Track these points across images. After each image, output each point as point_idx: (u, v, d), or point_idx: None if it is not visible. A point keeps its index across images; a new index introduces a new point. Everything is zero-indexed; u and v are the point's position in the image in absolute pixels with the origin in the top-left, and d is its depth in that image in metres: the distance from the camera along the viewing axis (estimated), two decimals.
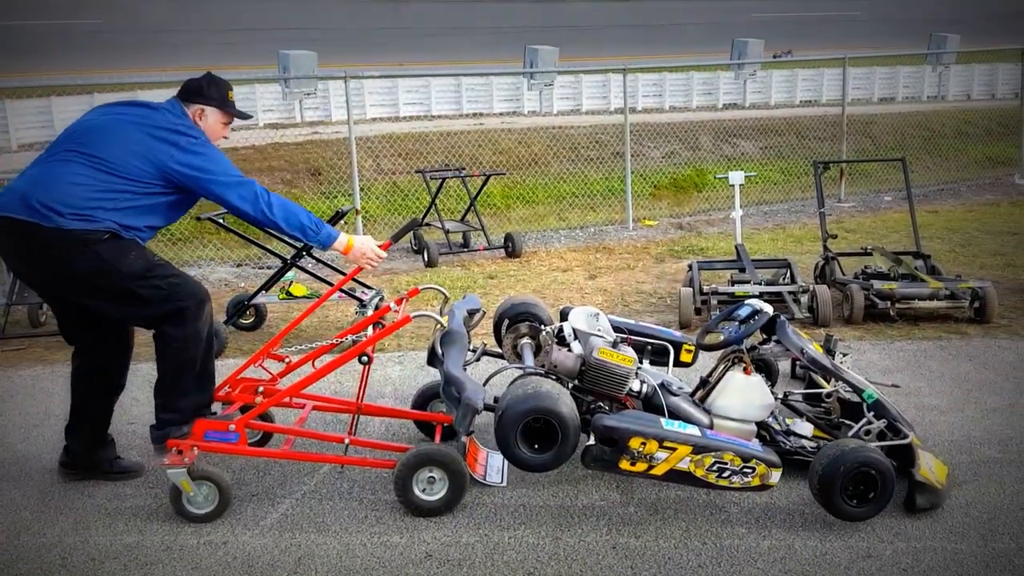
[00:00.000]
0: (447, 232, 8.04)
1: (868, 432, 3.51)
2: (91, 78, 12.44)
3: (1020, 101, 12.10)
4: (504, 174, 9.35)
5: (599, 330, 3.68)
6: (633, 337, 3.95)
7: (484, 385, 3.38)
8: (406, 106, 14.02)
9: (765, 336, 3.87)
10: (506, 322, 4.08)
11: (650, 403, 3.52)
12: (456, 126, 12.71)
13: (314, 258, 6.01)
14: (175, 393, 3.41)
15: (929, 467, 3.43)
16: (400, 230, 4.05)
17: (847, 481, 3.16)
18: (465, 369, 3.43)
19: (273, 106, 13.03)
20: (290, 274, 5.77)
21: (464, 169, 8.64)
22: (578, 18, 28.41)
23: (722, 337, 3.76)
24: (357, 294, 5.75)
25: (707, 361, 4.20)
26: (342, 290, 5.06)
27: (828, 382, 3.91)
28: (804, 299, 5.78)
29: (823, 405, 3.91)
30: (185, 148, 3.32)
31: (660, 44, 22.37)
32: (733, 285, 6.00)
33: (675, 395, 3.56)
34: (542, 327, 3.88)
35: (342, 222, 6.03)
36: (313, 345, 3.90)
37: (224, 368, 4.26)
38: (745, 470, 3.18)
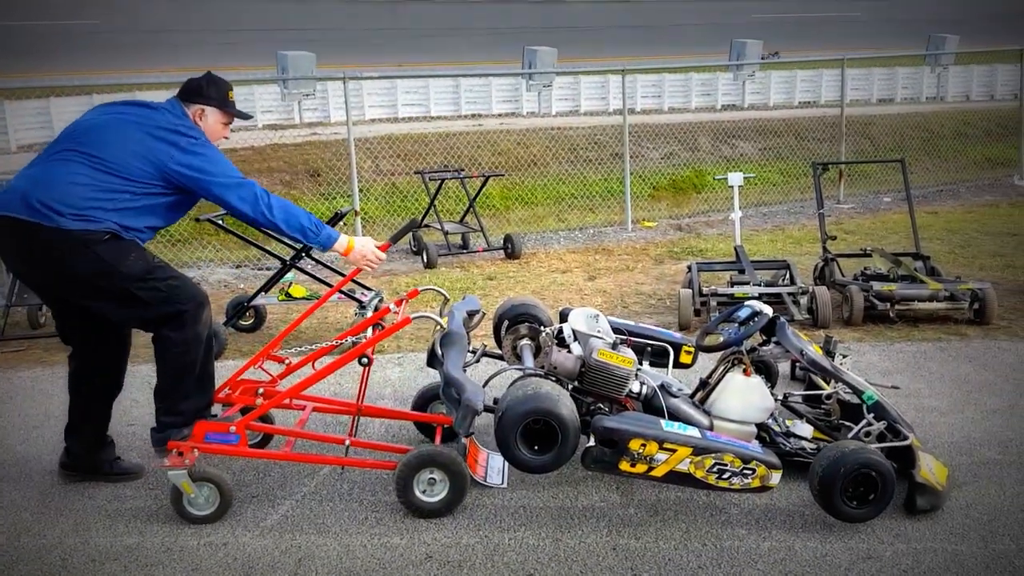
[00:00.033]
0: (446, 233, 8.03)
1: (868, 434, 3.52)
2: (90, 78, 12.43)
3: (1019, 102, 12.11)
4: (503, 175, 9.35)
5: (599, 331, 3.68)
6: (633, 338, 3.94)
7: (484, 386, 3.38)
8: (405, 107, 14.00)
9: (765, 338, 3.88)
10: (506, 323, 4.08)
11: (650, 404, 3.52)
12: (455, 127, 12.70)
13: (313, 259, 6.01)
14: (175, 396, 3.41)
15: (929, 469, 3.43)
16: (399, 231, 4.04)
17: (847, 483, 3.16)
18: (465, 370, 3.43)
19: (272, 107, 12.99)
20: (289, 275, 5.77)
21: (463, 170, 8.64)
22: (577, 19, 28.39)
23: (722, 339, 3.76)
24: (356, 295, 5.75)
25: (707, 363, 4.20)
26: (341, 291, 5.06)
27: (828, 384, 3.92)
28: (804, 300, 5.78)
29: (823, 407, 3.92)
30: (185, 149, 3.31)
31: (659, 45, 22.35)
32: (732, 286, 6.01)
33: (675, 396, 3.56)
34: (542, 328, 3.88)
35: (341, 223, 6.03)
36: (313, 347, 3.90)
37: (224, 370, 4.26)
38: (745, 472, 3.18)
